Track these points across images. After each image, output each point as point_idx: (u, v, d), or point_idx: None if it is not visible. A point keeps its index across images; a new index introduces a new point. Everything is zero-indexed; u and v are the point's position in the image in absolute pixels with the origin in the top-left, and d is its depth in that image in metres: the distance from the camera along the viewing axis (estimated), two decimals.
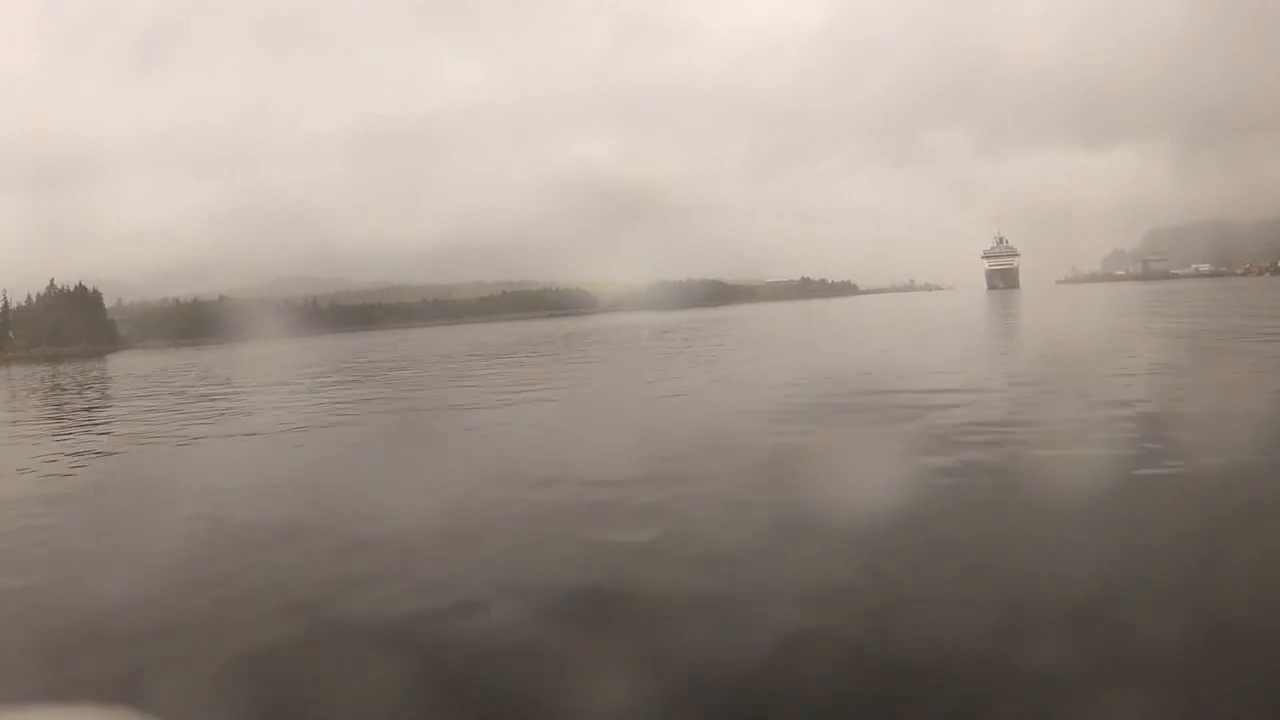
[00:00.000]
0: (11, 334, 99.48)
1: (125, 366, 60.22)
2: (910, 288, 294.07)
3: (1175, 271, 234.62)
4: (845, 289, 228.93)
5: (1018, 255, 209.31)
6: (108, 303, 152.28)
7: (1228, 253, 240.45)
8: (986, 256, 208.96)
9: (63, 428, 21.39)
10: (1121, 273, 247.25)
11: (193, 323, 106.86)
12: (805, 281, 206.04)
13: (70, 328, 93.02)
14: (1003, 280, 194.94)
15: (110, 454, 15.13)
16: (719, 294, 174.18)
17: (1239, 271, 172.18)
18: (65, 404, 29.13)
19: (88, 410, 25.46)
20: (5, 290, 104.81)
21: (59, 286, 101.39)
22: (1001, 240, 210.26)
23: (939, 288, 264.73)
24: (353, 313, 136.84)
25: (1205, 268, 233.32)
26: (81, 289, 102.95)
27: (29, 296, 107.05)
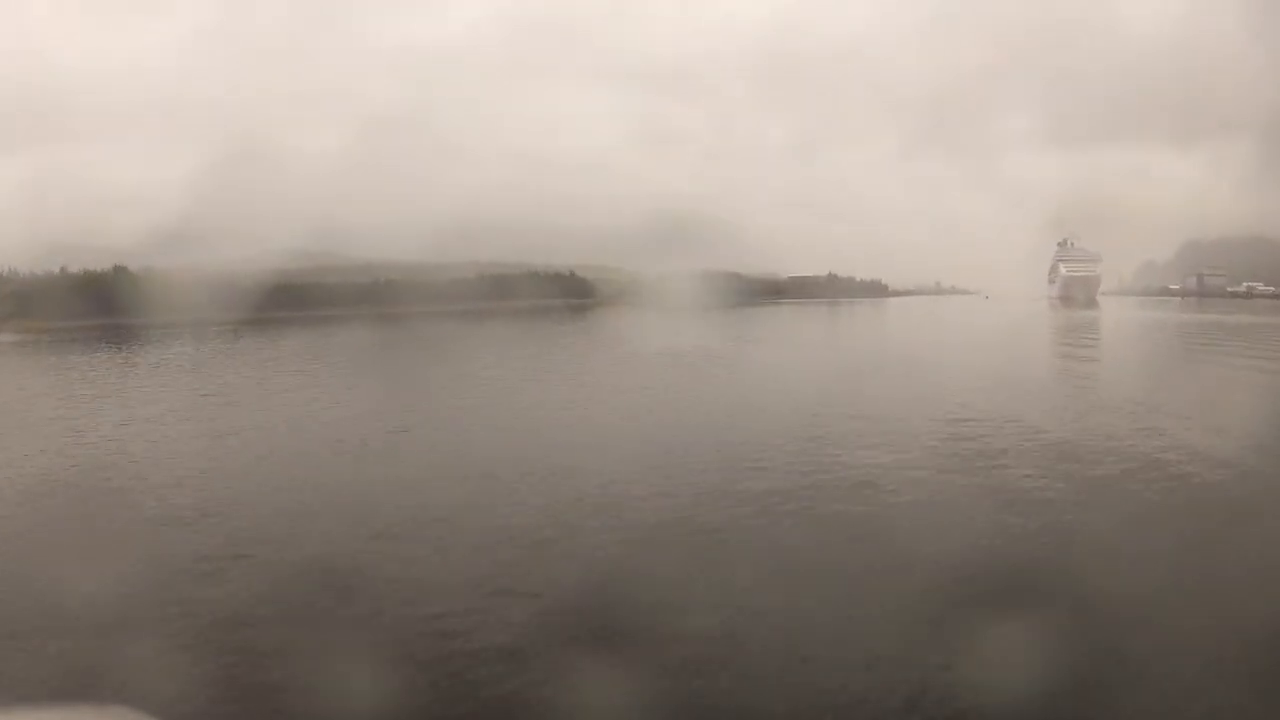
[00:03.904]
0: None
1: None
2: (937, 290, 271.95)
3: (1231, 289, 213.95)
4: (875, 288, 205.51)
5: (1099, 261, 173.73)
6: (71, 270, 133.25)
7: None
8: (1062, 260, 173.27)
9: None
10: (1176, 287, 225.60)
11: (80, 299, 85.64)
12: (833, 278, 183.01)
13: None
14: (1082, 292, 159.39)
15: None
16: (738, 289, 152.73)
17: None
18: None
19: None
20: None
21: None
22: (1068, 242, 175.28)
23: (967, 292, 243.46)
24: (283, 294, 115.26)
25: (1261, 286, 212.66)
26: None
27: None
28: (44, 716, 3.11)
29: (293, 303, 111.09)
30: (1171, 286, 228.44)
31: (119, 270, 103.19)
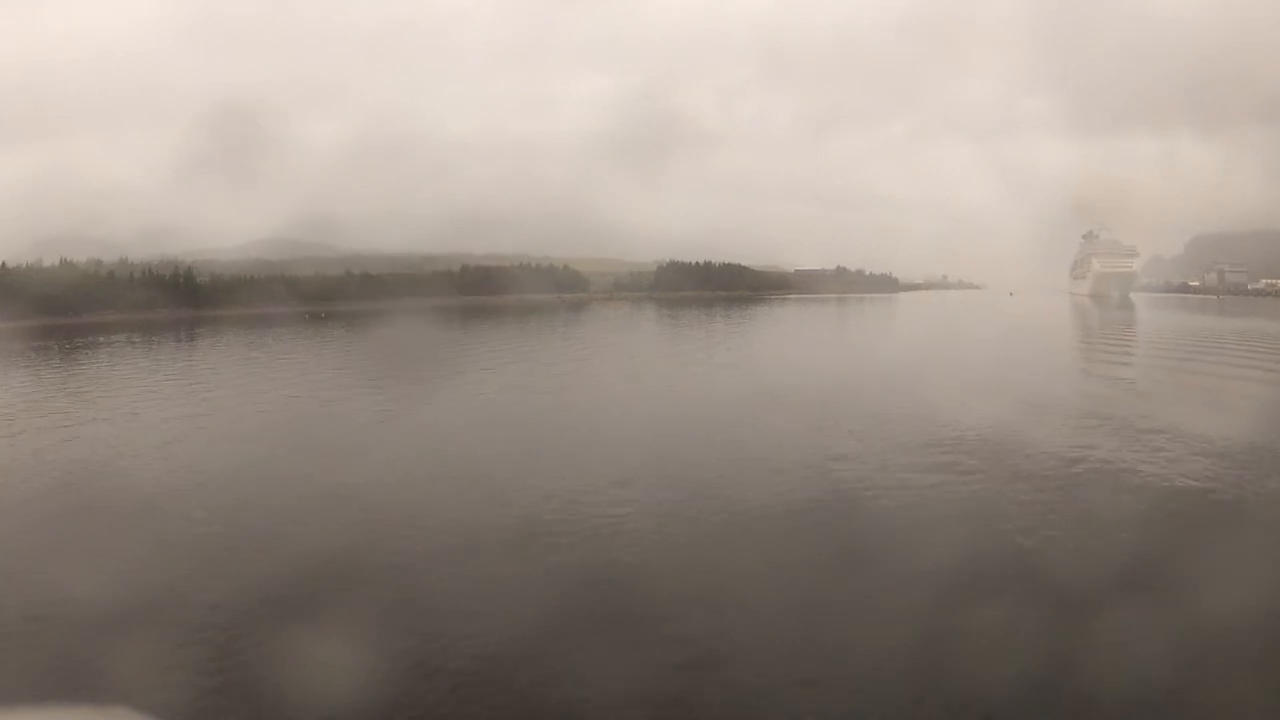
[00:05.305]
0: None
1: None
2: (945, 285, 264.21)
3: (1252, 286, 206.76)
4: (886, 283, 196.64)
5: (1135, 255, 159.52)
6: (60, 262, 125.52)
7: None
8: (1095, 254, 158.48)
9: None
10: (1196, 283, 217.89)
11: None
12: (842, 271, 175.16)
13: None
14: (1117, 289, 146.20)
15: None
16: (744, 282, 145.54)
17: None
18: None
19: None
20: None
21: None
22: (1094, 234, 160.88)
23: (974, 286, 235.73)
24: (267, 288, 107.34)
25: None
26: None
27: None
28: (44, 716, 2.98)
29: (279, 297, 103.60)
30: (1191, 283, 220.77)
31: (65, 265, 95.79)
